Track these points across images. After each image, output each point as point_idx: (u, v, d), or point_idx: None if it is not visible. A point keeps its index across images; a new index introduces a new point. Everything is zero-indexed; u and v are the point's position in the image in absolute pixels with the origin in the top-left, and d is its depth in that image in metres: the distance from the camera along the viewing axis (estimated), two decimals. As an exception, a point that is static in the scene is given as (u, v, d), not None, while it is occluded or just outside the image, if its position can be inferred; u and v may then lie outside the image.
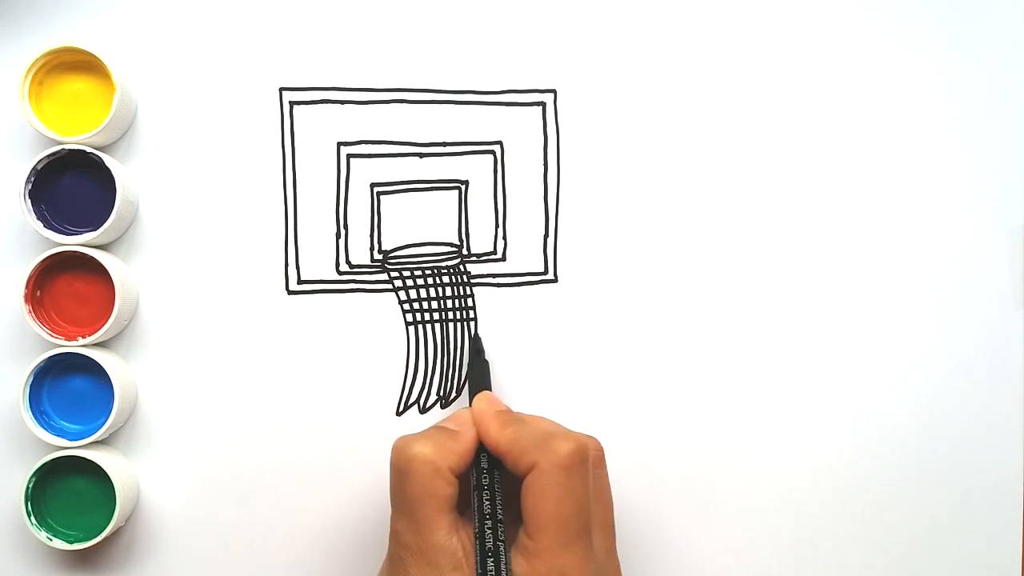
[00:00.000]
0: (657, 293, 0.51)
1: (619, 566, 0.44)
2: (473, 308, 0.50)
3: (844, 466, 0.51)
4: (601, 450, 0.44)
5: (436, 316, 0.50)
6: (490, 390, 0.48)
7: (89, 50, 0.47)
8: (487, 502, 0.43)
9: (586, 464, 0.42)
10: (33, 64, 0.47)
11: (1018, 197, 0.52)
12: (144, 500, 0.49)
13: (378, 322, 0.50)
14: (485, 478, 0.43)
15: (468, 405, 0.47)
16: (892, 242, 0.51)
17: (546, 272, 0.51)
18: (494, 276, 0.51)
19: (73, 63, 0.48)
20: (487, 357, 0.50)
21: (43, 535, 0.47)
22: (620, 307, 0.51)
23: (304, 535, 0.49)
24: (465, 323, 0.50)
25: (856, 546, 0.51)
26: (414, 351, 0.50)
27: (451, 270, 0.50)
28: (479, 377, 0.48)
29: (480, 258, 0.51)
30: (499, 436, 0.43)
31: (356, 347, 0.50)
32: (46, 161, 0.47)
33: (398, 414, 0.50)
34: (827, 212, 0.51)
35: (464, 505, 0.43)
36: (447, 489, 0.42)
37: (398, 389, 0.50)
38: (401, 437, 0.43)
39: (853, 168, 0.51)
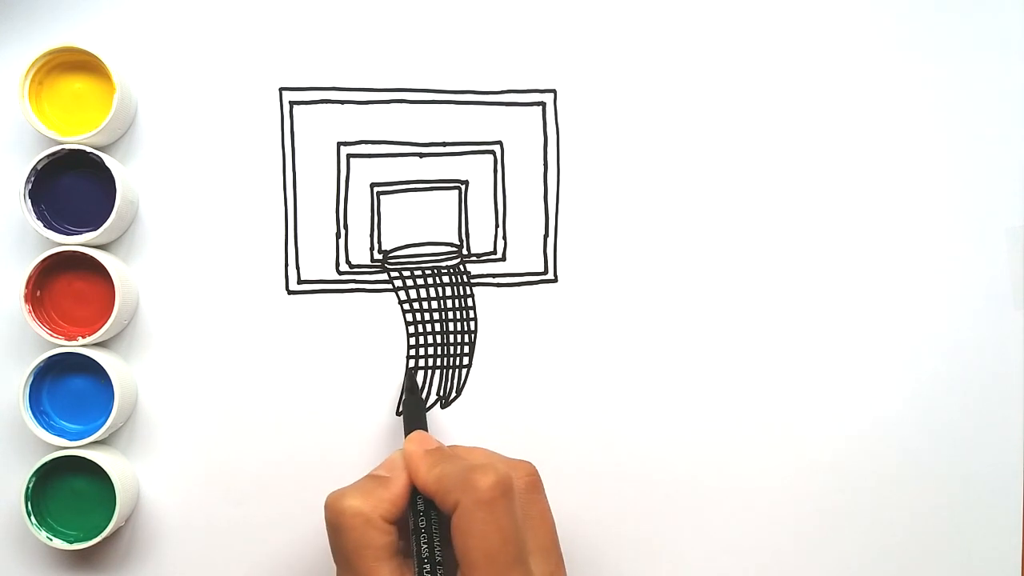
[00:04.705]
0: (657, 293, 0.51)
1: None
2: (473, 308, 0.50)
3: (844, 467, 0.51)
4: (534, 475, 0.43)
5: (436, 316, 0.50)
6: (425, 428, 0.47)
7: (89, 50, 0.47)
8: (424, 545, 0.42)
9: (509, 494, 0.41)
10: (33, 64, 0.47)
11: (1018, 197, 0.52)
12: (144, 500, 0.49)
13: (378, 322, 0.50)
14: (422, 521, 0.43)
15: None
16: (892, 242, 0.51)
17: (546, 272, 0.51)
18: (494, 276, 0.51)
19: (73, 63, 0.48)
20: (422, 393, 0.50)
21: (43, 535, 0.47)
22: (620, 307, 0.51)
23: (304, 535, 0.49)
24: (465, 323, 0.50)
25: (855, 547, 0.51)
26: (414, 351, 0.50)
27: (451, 270, 0.50)
28: (413, 415, 0.48)
29: (480, 258, 0.51)
30: (427, 477, 0.42)
31: (356, 347, 0.50)
32: (46, 161, 0.47)
33: (398, 414, 0.50)
34: (827, 212, 0.51)
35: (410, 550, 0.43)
36: (382, 538, 0.41)
37: (398, 389, 0.50)
38: (332, 492, 0.43)
39: (853, 168, 0.51)
